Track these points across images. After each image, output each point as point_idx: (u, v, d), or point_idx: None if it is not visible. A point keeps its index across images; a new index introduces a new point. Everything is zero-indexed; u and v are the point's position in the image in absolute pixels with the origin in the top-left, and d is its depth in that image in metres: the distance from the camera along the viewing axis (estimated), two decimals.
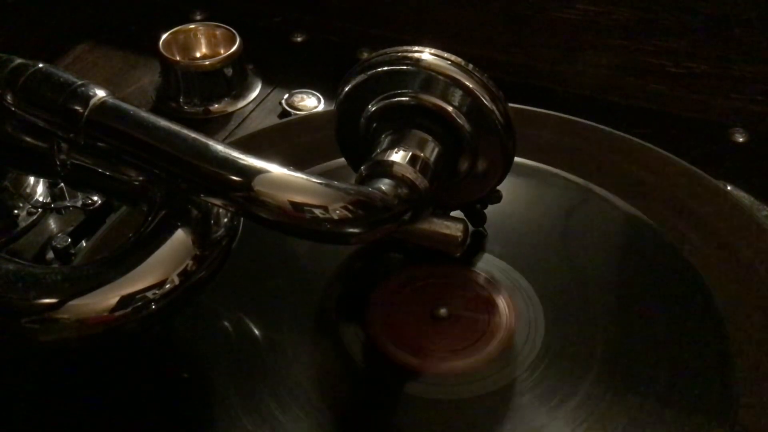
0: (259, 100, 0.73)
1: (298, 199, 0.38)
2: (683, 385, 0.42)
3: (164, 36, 0.71)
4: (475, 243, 0.51)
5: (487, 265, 0.50)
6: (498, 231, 0.52)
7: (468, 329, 0.46)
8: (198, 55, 0.74)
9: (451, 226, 0.44)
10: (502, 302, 0.48)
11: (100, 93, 0.42)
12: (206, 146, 0.40)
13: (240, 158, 0.39)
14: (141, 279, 0.38)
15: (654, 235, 0.51)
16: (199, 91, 0.71)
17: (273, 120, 0.70)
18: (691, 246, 0.50)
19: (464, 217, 0.49)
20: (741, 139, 0.65)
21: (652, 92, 0.70)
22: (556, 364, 0.44)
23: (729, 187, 0.57)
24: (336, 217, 0.38)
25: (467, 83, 0.44)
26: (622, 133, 0.58)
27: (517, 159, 0.47)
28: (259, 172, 0.39)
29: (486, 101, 0.44)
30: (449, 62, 0.44)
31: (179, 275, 0.39)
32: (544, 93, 0.72)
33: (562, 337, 0.46)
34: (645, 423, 0.41)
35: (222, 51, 0.71)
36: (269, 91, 0.74)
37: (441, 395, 0.43)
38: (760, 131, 0.66)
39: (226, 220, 0.42)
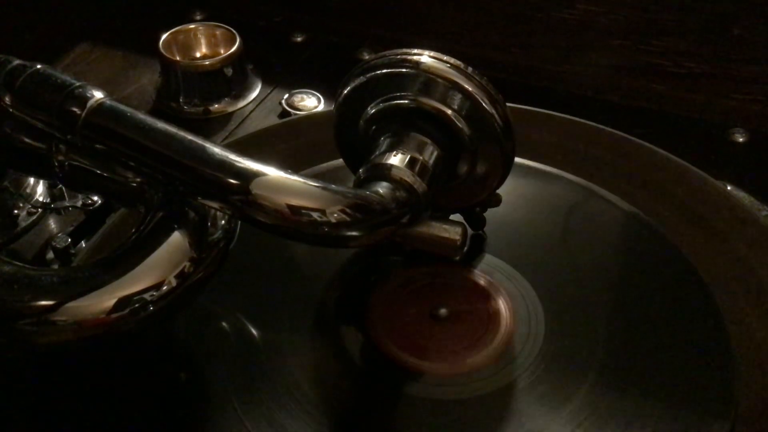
0: (259, 100, 0.73)
1: (296, 202, 0.38)
2: (683, 385, 0.42)
3: (164, 36, 0.71)
4: (475, 243, 0.51)
5: (487, 265, 0.50)
6: (498, 231, 0.52)
7: (468, 329, 0.46)
8: (198, 55, 0.74)
9: (450, 230, 0.43)
10: (501, 302, 0.48)
11: (98, 95, 0.42)
12: (203, 149, 0.40)
13: (237, 161, 0.39)
14: (138, 281, 0.38)
15: (654, 235, 0.51)
16: (199, 91, 0.71)
17: (273, 120, 0.69)
18: (691, 246, 0.50)
19: (463, 221, 0.49)
20: (741, 139, 0.65)
21: (652, 92, 0.70)
22: (556, 364, 0.44)
23: (729, 187, 0.57)
24: (333, 221, 0.38)
25: (466, 86, 0.44)
26: (622, 133, 0.58)
27: (517, 159, 0.47)
28: (256, 175, 0.39)
29: (485, 104, 0.44)
30: (449, 65, 0.44)
31: (176, 277, 0.39)
32: (545, 93, 0.72)
33: (562, 337, 0.45)
34: (645, 423, 0.41)
35: (222, 51, 0.71)
36: (269, 91, 0.74)
37: (441, 395, 0.43)
38: (760, 131, 0.66)
39: (223, 222, 0.42)
